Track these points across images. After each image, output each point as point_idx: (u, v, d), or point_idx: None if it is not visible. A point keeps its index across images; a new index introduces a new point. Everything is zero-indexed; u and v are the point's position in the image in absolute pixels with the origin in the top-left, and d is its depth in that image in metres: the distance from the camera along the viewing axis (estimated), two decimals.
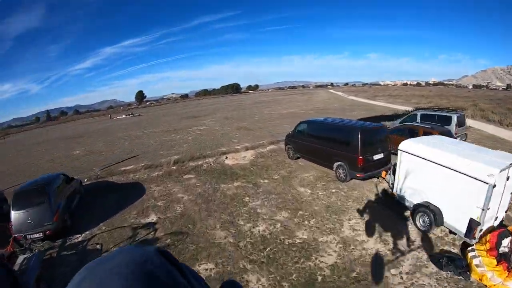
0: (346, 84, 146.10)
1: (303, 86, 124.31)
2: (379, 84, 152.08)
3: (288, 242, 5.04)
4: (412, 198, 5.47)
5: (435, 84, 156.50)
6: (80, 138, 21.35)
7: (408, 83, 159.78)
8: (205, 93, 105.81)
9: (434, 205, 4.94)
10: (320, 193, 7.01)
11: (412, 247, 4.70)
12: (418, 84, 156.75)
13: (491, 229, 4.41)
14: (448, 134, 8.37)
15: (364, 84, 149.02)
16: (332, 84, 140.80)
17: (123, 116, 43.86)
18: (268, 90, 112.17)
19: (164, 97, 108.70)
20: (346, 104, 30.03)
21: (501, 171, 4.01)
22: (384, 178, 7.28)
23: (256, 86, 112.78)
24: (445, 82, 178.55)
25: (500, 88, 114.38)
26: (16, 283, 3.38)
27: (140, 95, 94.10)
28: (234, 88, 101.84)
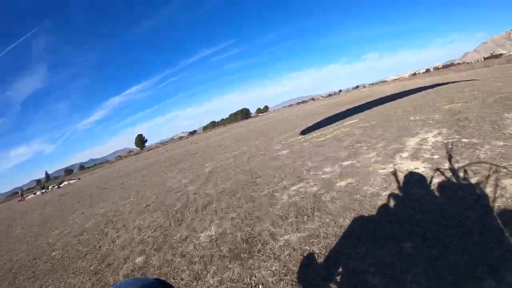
0: (357, 87, 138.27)
1: (312, 99, 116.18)
2: (385, 81, 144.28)
3: None
4: None
5: (445, 66, 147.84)
6: None
7: (417, 72, 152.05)
8: (213, 125, 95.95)
9: None
10: None
11: None
12: (427, 71, 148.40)
13: None
14: None
15: (370, 84, 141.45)
16: (340, 91, 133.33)
17: (38, 193, 27.23)
18: (279, 109, 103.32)
19: (175, 137, 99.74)
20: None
21: None
22: None
23: (266, 108, 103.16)
24: (454, 63, 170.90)
25: None
26: None
27: (140, 140, 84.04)
28: (243, 114, 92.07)
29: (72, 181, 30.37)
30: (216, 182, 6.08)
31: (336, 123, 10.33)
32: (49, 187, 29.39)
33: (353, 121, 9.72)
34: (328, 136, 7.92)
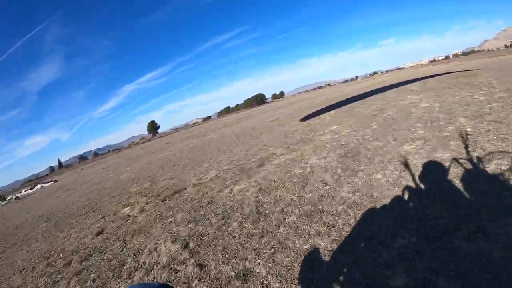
0: (375, 73, 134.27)
1: (329, 85, 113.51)
2: (403, 68, 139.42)
3: None
4: None
5: (464, 54, 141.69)
6: None
7: (436, 59, 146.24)
8: (227, 111, 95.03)
9: None
10: None
11: None
12: (447, 58, 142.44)
13: None
14: None
15: (388, 71, 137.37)
16: (357, 77, 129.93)
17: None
18: (294, 95, 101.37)
19: (190, 123, 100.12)
20: None
21: None
22: None
23: (282, 94, 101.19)
24: (475, 50, 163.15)
25: None
26: None
27: (152, 126, 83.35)
28: (259, 99, 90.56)
29: (46, 185, 24.93)
30: None
31: None
32: (7, 199, 22.51)
33: None
34: None
